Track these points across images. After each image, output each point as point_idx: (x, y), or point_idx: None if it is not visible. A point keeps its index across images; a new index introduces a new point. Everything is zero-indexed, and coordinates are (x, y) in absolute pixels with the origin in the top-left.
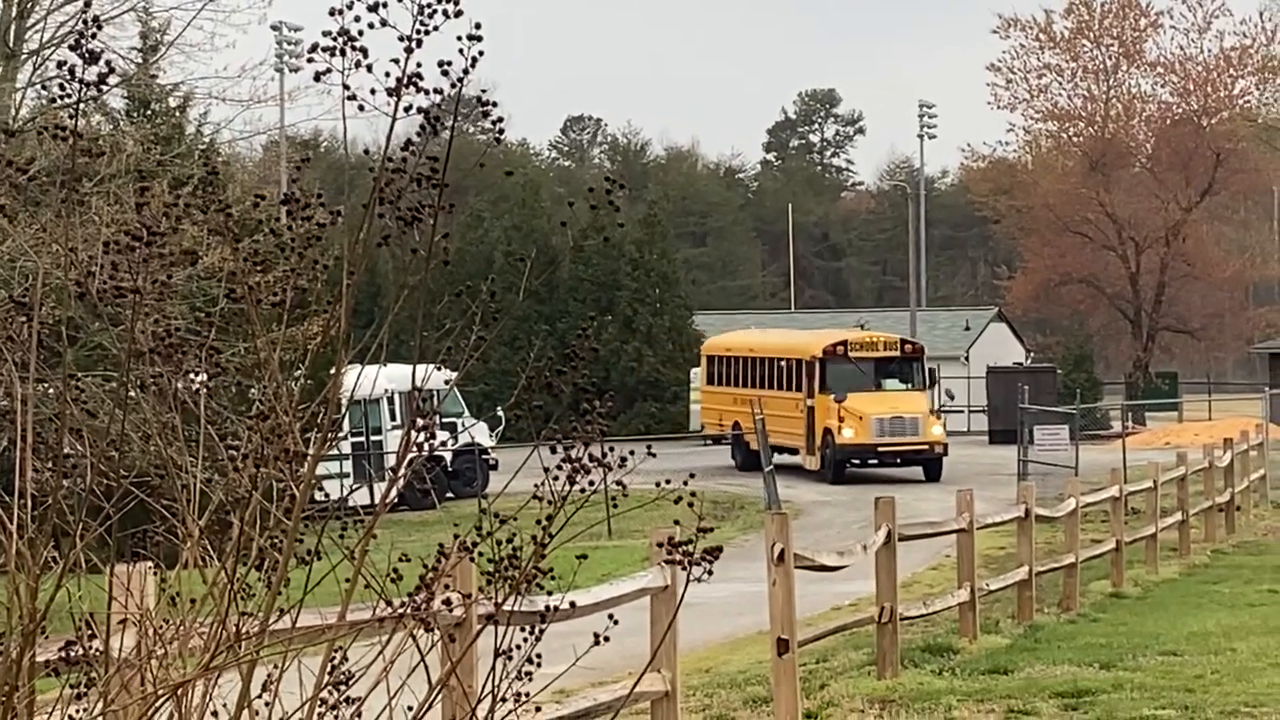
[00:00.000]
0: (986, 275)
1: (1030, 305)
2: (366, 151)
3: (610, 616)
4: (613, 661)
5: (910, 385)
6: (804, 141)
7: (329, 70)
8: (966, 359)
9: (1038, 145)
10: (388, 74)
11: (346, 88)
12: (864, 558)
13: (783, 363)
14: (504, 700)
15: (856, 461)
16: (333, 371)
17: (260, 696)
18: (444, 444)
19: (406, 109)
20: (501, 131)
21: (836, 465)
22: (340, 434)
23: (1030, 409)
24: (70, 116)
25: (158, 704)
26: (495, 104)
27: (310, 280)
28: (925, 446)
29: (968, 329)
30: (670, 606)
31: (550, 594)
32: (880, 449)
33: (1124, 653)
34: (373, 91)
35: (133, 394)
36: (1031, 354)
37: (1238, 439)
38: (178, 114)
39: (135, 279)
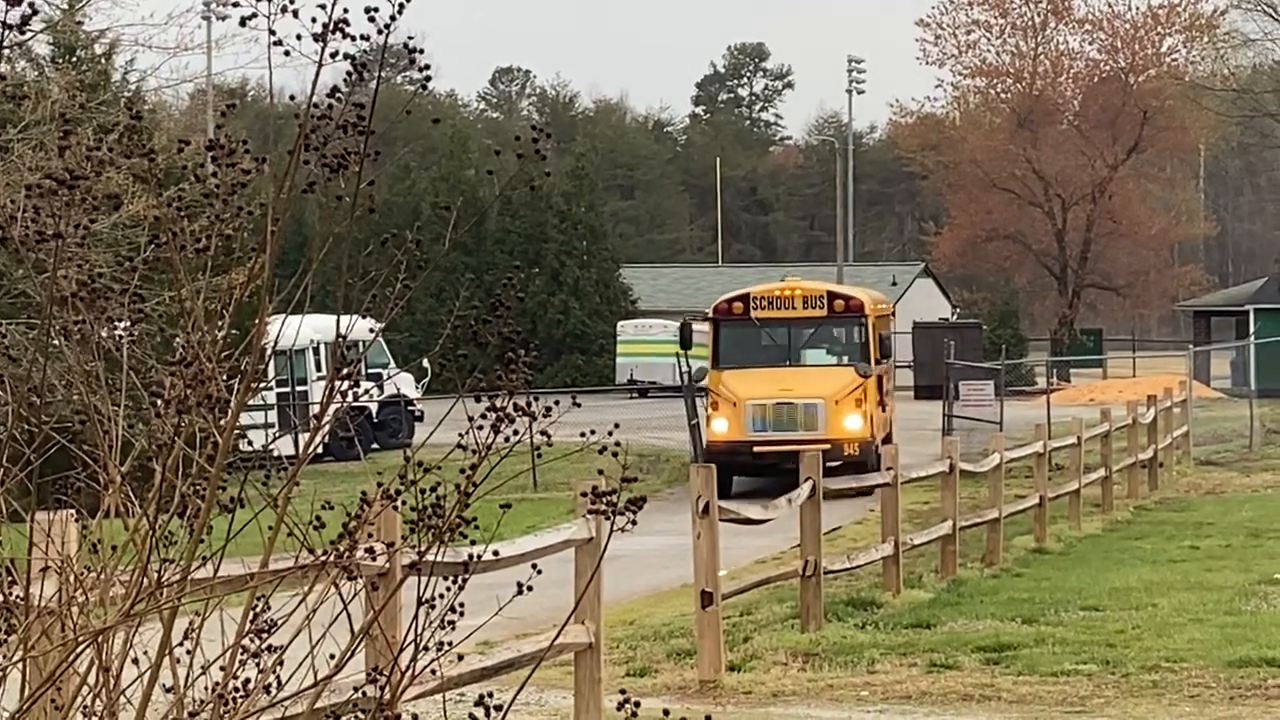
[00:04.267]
0: (913, 231)
1: (957, 261)
2: (293, 98)
3: (534, 567)
4: (537, 614)
5: (842, 357)
6: (733, 95)
7: (254, 15)
8: (893, 314)
9: (966, 101)
10: (314, 19)
11: (272, 33)
12: (788, 511)
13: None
14: (426, 649)
15: (735, 466)
16: (256, 321)
17: (182, 644)
18: (368, 394)
19: (333, 55)
20: (428, 79)
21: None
22: (265, 383)
23: (956, 364)
24: None
25: (78, 651)
26: (422, 51)
27: (235, 229)
28: (827, 446)
29: (894, 284)
30: (594, 558)
31: (474, 544)
32: (757, 449)
33: (1046, 608)
34: (299, 37)
35: (55, 342)
36: (957, 310)
37: (1161, 396)
38: (103, 61)
39: (58, 224)
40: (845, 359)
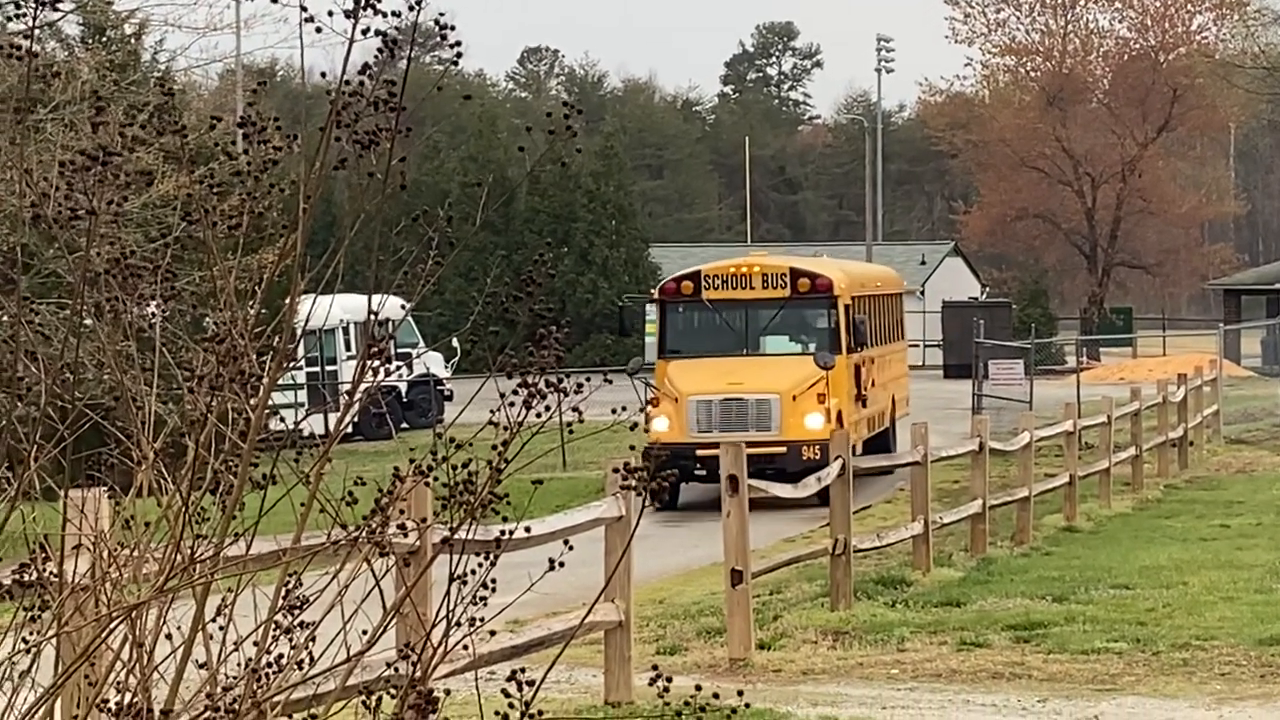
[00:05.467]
0: (943, 210)
1: (986, 240)
2: (324, 75)
3: (566, 543)
4: (566, 593)
5: (809, 344)
6: (761, 75)
7: None
8: (922, 293)
9: (995, 80)
10: None
11: (304, 9)
12: (818, 490)
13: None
14: (459, 625)
15: (676, 473)
16: (288, 299)
17: (214, 621)
18: (398, 373)
19: (364, 31)
20: (459, 56)
21: (654, 482)
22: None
23: (985, 343)
24: (25, 37)
25: (112, 627)
26: (453, 28)
27: (266, 207)
28: (782, 450)
29: (924, 263)
30: (624, 537)
31: (506, 521)
32: (702, 453)
33: (1076, 586)
34: (330, 14)
35: (87, 322)
36: (987, 289)
37: (1191, 374)
38: (133, 41)
39: (91, 201)
40: (813, 347)
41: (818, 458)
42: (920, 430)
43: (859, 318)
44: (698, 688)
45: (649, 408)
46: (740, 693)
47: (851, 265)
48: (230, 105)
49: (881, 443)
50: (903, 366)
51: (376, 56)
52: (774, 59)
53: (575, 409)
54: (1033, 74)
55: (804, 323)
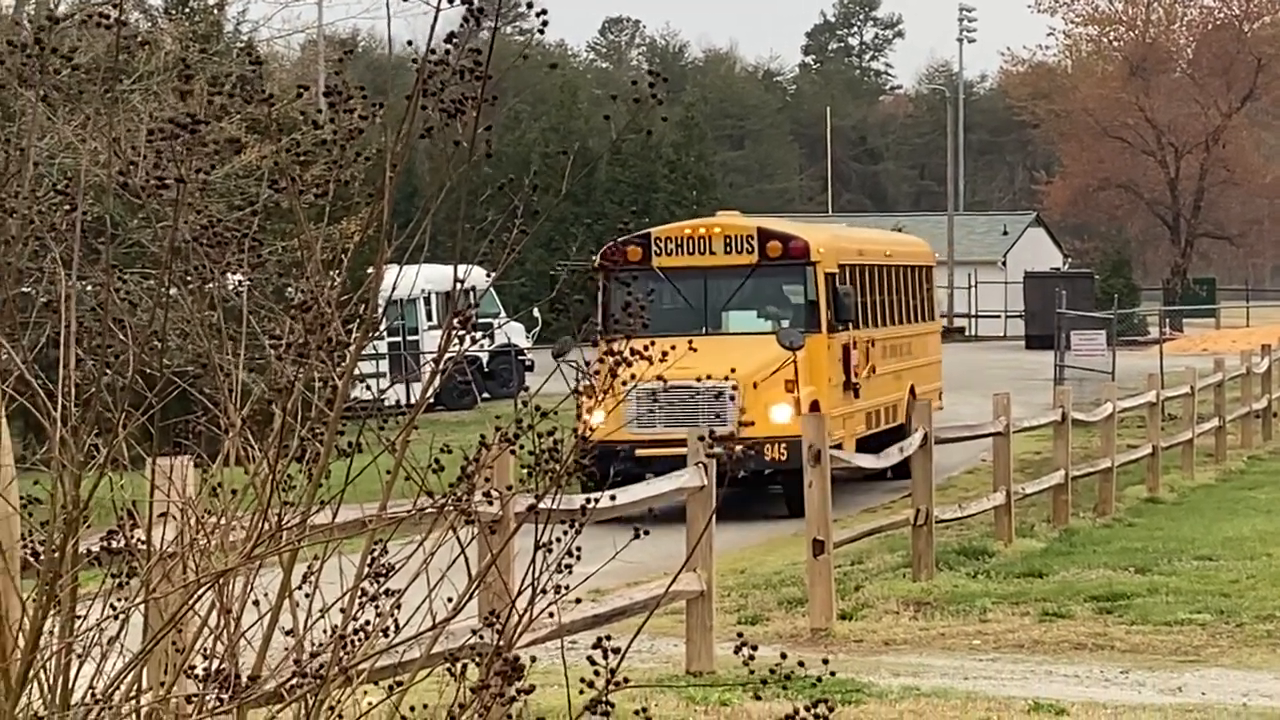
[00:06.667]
0: (1024, 180)
1: (1068, 210)
2: (410, 43)
3: (651, 512)
4: (647, 562)
5: (780, 319)
6: (842, 44)
7: None
8: (1004, 264)
9: (1078, 49)
10: None
11: None
12: (900, 460)
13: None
14: (544, 592)
15: (618, 474)
16: (371, 270)
17: (300, 588)
18: (480, 343)
19: (450, 0)
20: (546, 24)
21: (585, 484)
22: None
23: (1067, 314)
24: (113, 6)
25: (199, 594)
26: None
27: (351, 176)
28: (738, 448)
29: (1005, 234)
30: (707, 506)
31: (588, 489)
32: (642, 451)
33: (1159, 557)
34: None
35: (173, 291)
36: (1069, 259)
37: (1275, 345)
38: (215, 11)
39: (179, 168)
40: (787, 323)
41: (783, 459)
42: (1002, 401)
43: (843, 289)
44: (783, 655)
45: (584, 398)
46: (825, 661)
47: (848, 230)
48: (312, 76)
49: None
50: (931, 350)
51: (462, 23)
52: (855, 29)
53: (660, 377)
54: (1116, 44)
55: (776, 295)
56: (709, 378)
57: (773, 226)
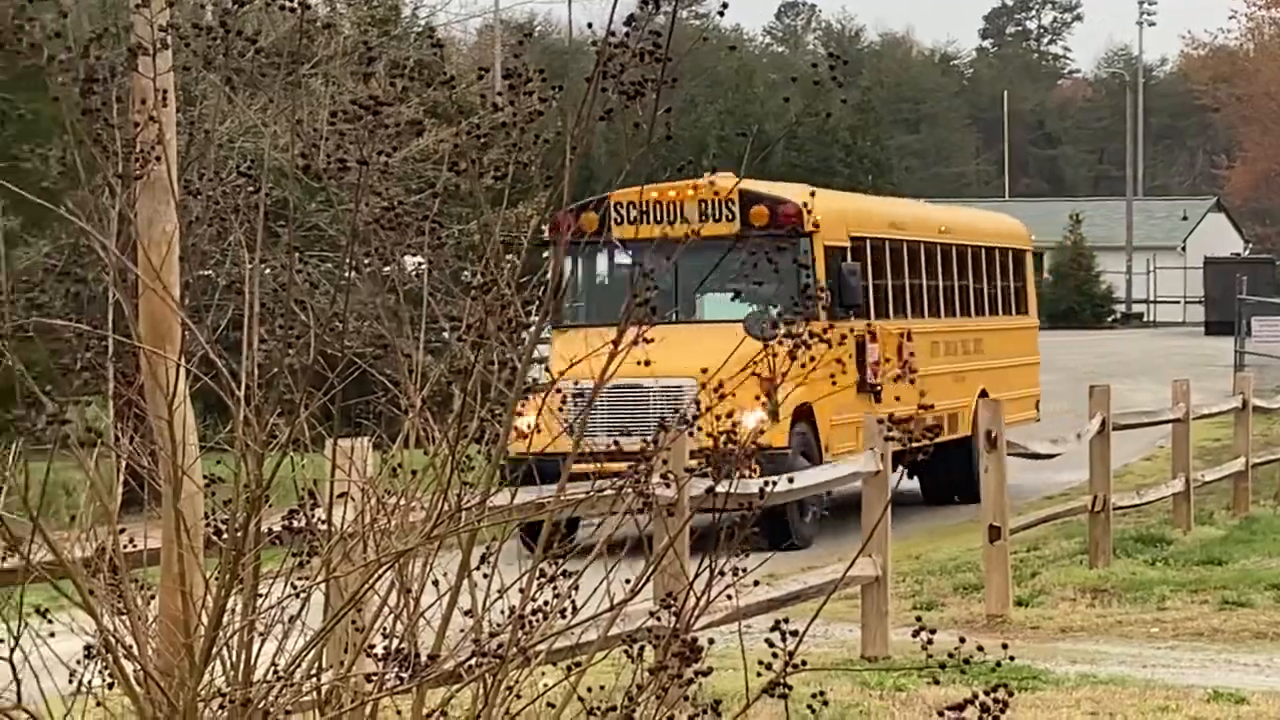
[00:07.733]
0: (1205, 165)
1: (1249, 195)
2: (590, 25)
3: (828, 494)
4: (818, 549)
5: (769, 304)
6: (1020, 28)
7: None
8: (1183, 249)
9: (1260, 32)
10: None
11: None
12: (1077, 447)
13: None
14: (721, 574)
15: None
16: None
17: (479, 568)
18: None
19: None
20: (726, 7)
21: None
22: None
23: (1248, 300)
24: None
25: (380, 573)
26: None
27: (530, 159)
28: (697, 462)
29: (1185, 219)
30: (883, 492)
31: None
32: (580, 466)
33: None
34: None
35: (353, 274)
36: (1250, 244)
37: None
38: None
39: (362, 150)
40: (772, 307)
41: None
42: (1181, 387)
43: (850, 266)
44: (961, 640)
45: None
46: (1004, 645)
47: (864, 198)
48: (488, 61)
49: (949, 469)
50: (1017, 349)
51: (641, 8)
52: (1033, 12)
53: (838, 360)
54: None
55: (764, 273)
56: (666, 375)
57: (758, 188)
